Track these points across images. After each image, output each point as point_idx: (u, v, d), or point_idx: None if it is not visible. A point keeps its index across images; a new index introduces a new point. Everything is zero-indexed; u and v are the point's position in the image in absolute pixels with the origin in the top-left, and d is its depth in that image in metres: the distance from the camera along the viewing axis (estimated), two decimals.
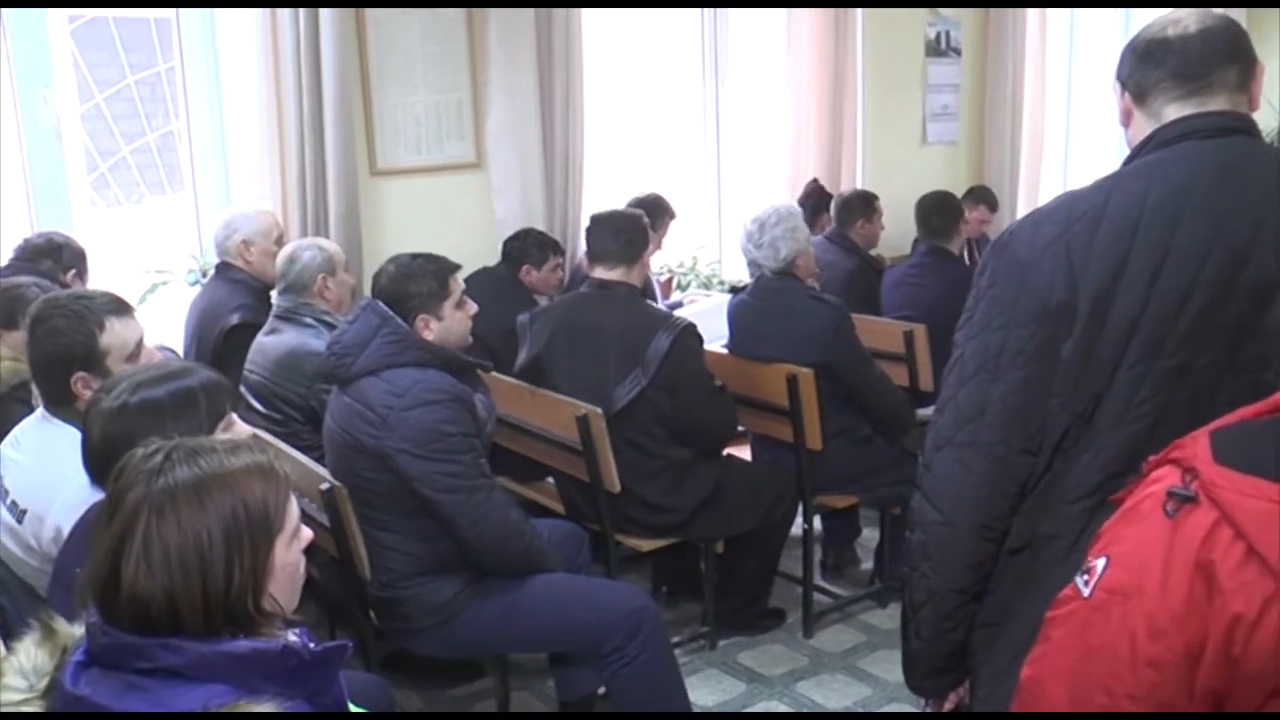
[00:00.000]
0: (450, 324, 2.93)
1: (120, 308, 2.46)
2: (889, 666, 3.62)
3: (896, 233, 5.47)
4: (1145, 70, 1.64)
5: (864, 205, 5.07)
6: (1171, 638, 1.17)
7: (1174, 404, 1.51)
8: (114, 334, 2.40)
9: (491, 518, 2.82)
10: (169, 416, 1.93)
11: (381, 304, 2.87)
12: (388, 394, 2.77)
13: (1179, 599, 1.16)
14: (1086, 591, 1.25)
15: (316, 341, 3.33)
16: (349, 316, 2.97)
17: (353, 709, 1.68)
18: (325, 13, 4.09)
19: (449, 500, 2.78)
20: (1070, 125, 7.12)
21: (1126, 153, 1.68)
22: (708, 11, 5.56)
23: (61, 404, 2.41)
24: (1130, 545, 1.24)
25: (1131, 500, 1.29)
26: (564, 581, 3.01)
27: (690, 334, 3.43)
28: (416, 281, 2.88)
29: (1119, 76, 1.69)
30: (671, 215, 4.87)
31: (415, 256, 2.94)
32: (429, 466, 2.75)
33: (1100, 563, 1.25)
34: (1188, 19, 1.63)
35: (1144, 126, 1.64)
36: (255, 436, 1.98)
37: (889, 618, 3.97)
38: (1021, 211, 6.14)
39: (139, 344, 2.45)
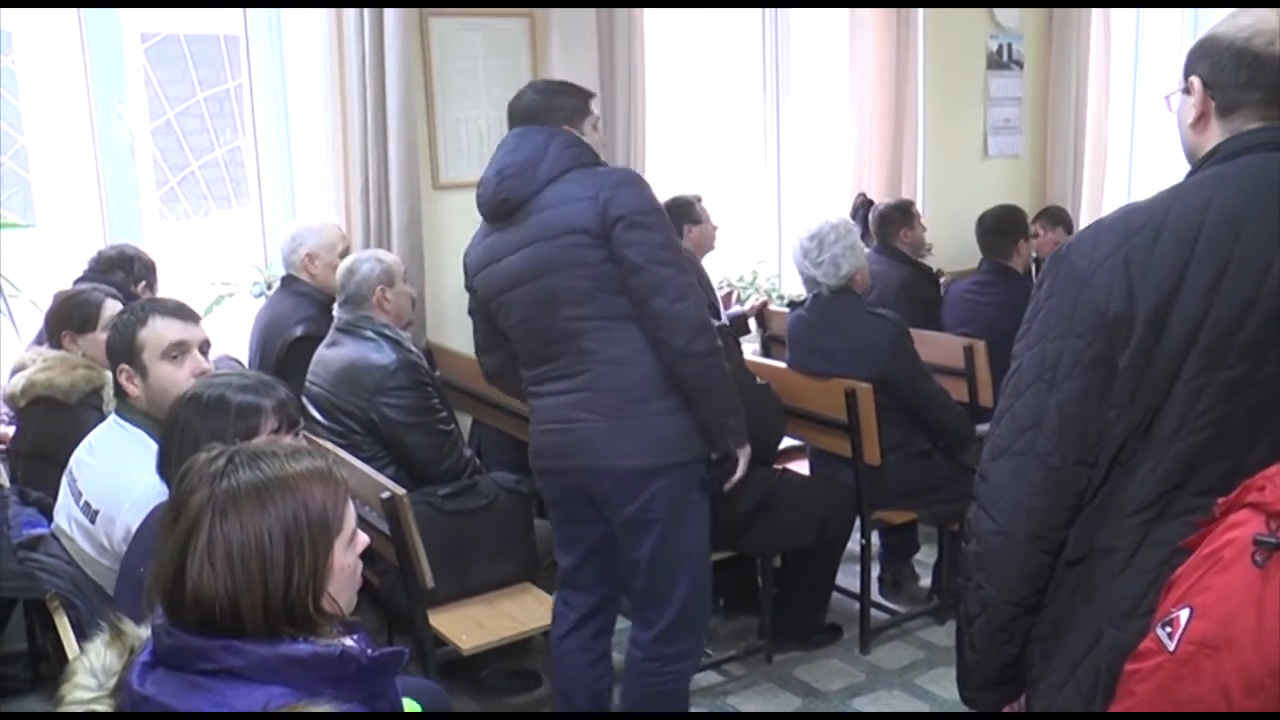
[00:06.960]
0: (592, 139, 2.88)
1: (171, 310, 2.53)
2: (946, 684, 3.59)
3: (956, 247, 5.42)
4: (1241, 86, 1.54)
5: (900, 214, 5.02)
6: (1270, 691, 1.13)
7: (1233, 417, 1.47)
8: (152, 329, 2.47)
9: (694, 307, 2.67)
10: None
11: (534, 124, 2.81)
12: (590, 184, 2.68)
13: (1276, 651, 1.13)
14: (1171, 645, 1.21)
15: (377, 355, 3.37)
16: (507, 146, 2.84)
17: (411, 706, 1.70)
18: (390, 29, 4.15)
19: (665, 272, 2.64)
20: (1135, 138, 7.00)
21: (1188, 164, 1.65)
22: (769, 23, 5.55)
23: (120, 396, 2.51)
24: (1216, 595, 1.20)
25: (1209, 546, 1.25)
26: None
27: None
28: (564, 95, 2.87)
29: (1202, 75, 1.58)
30: (695, 220, 4.61)
31: (548, 81, 3.00)
32: (649, 235, 2.65)
33: (1184, 614, 1.21)
34: None
35: (1218, 137, 1.57)
36: (315, 442, 2.04)
37: (947, 635, 3.94)
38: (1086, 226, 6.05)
39: (177, 345, 2.48)
